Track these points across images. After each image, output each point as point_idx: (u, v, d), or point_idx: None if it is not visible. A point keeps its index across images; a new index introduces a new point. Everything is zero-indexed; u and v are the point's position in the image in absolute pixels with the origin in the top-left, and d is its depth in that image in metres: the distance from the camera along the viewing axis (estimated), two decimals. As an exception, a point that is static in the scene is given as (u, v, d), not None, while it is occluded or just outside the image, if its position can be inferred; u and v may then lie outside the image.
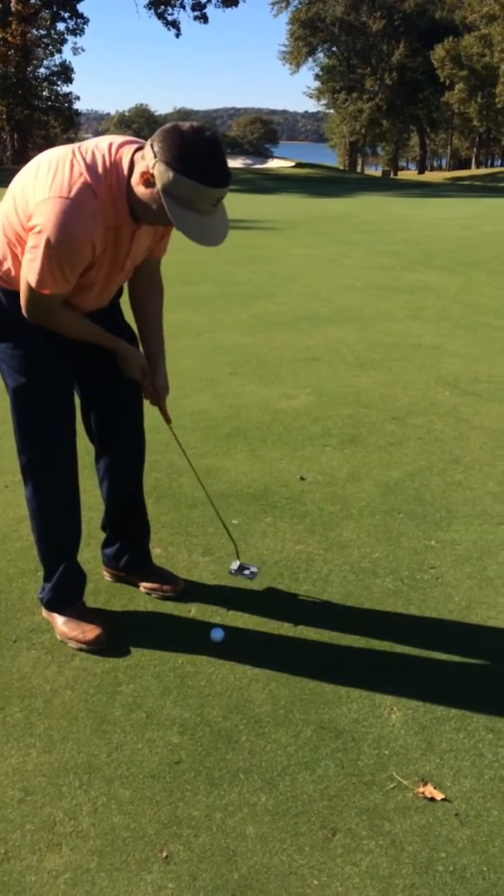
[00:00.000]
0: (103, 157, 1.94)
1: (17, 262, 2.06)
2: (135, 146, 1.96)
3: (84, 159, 1.93)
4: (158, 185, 1.85)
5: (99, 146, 1.98)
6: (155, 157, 1.84)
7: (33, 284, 1.98)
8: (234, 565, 2.73)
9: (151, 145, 1.86)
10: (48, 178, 1.92)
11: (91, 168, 1.92)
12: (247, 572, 2.69)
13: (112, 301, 2.32)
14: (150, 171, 1.86)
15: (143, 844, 1.76)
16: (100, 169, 1.92)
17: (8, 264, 2.09)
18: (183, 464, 3.70)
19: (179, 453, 3.81)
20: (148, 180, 1.88)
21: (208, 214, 1.89)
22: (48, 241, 1.89)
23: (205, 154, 1.83)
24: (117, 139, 2.01)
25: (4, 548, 2.95)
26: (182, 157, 1.81)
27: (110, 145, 1.98)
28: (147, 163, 1.87)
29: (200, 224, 1.88)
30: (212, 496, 3.38)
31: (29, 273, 1.97)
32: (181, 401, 4.56)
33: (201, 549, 2.97)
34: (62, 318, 2.12)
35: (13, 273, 2.08)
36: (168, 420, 2.52)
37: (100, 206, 1.92)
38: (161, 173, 1.83)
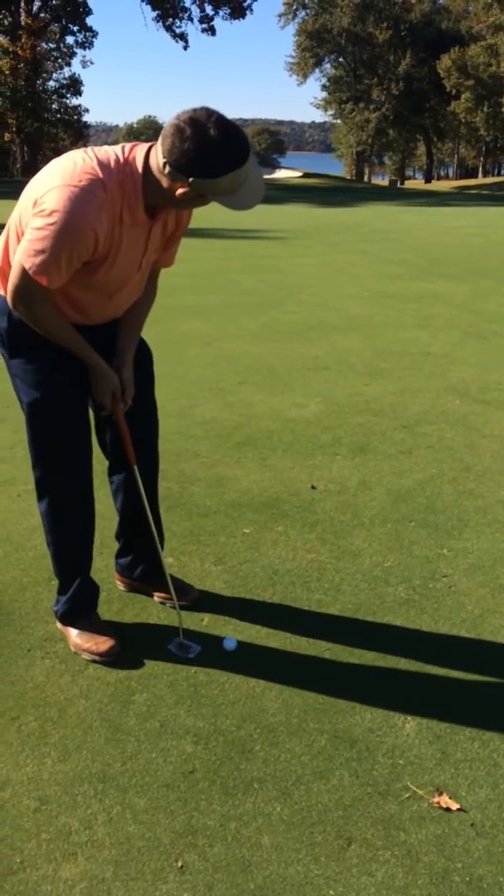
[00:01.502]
0: (116, 155, 1.97)
1: None
2: (147, 145, 1.99)
3: (96, 156, 1.97)
4: (197, 192, 1.89)
5: (111, 147, 2.02)
6: (182, 174, 1.86)
7: (28, 267, 1.95)
8: (174, 643, 2.45)
9: (172, 165, 1.86)
10: (59, 170, 1.95)
11: (103, 164, 1.94)
12: (190, 654, 2.41)
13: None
14: (187, 189, 1.89)
15: (159, 854, 1.76)
16: (112, 165, 1.94)
17: None
18: (194, 472, 3.71)
19: (190, 462, 3.83)
20: (185, 193, 1.90)
21: (246, 183, 1.92)
22: (51, 225, 1.89)
23: (222, 147, 1.83)
24: (129, 144, 2.05)
25: (18, 557, 2.96)
26: (207, 165, 1.83)
27: (123, 147, 2.02)
28: (174, 180, 1.89)
29: (243, 194, 1.93)
30: (223, 505, 3.39)
31: (25, 257, 1.95)
32: (191, 410, 4.57)
33: (213, 557, 2.98)
34: (45, 315, 2.07)
35: None
36: (132, 461, 2.37)
37: (108, 199, 1.93)
38: (200, 185, 1.87)
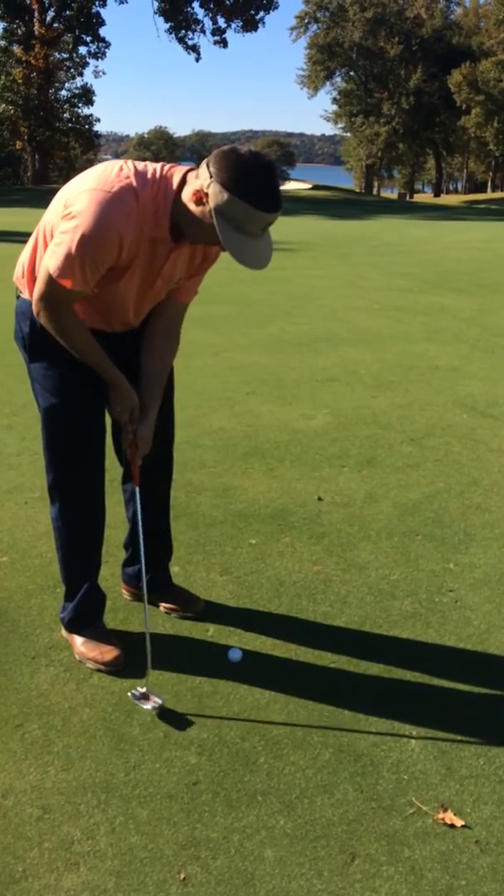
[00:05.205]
0: (154, 169, 1.99)
1: None
2: (188, 167, 2.02)
3: (135, 166, 1.98)
4: (211, 204, 1.87)
5: (153, 163, 2.04)
6: (211, 177, 1.86)
7: (53, 272, 1.95)
8: (138, 691, 2.25)
9: (207, 165, 1.89)
10: (95, 175, 1.96)
11: (139, 174, 1.95)
12: (147, 705, 2.20)
13: (140, 326, 2.31)
14: (205, 191, 1.88)
15: (161, 865, 1.75)
16: (148, 176, 1.96)
17: None
18: (201, 482, 3.71)
19: (197, 472, 3.83)
20: (200, 199, 1.89)
21: (256, 238, 1.92)
22: (78, 229, 1.89)
23: (261, 179, 1.86)
24: (170, 163, 2.07)
25: (24, 564, 2.97)
26: (238, 180, 1.84)
27: (163, 164, 2.04)
28: (202, 182, 1.89)
29: (247, 246, 1.91)
30: (230, 515, 3.39)
31: (52, 259, 1.95)
32: (199, 419, 4.58)
33: (219, 568, 2.97)
34: (69, 324, 2.07)
35: None
36: (136, 481, 2.32)
37: (139, 209, 1.93)
38: (216, 193, 1.86)
